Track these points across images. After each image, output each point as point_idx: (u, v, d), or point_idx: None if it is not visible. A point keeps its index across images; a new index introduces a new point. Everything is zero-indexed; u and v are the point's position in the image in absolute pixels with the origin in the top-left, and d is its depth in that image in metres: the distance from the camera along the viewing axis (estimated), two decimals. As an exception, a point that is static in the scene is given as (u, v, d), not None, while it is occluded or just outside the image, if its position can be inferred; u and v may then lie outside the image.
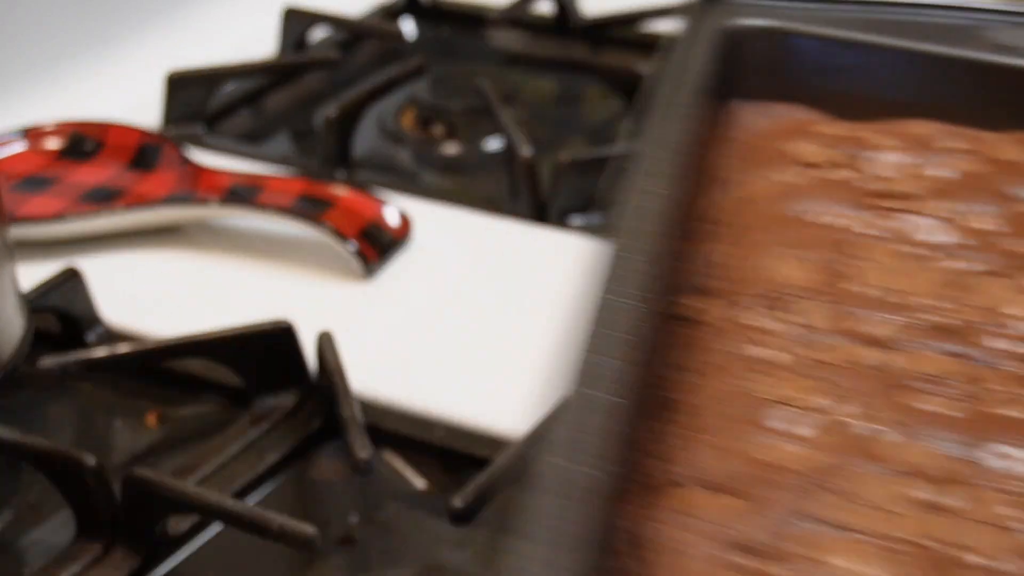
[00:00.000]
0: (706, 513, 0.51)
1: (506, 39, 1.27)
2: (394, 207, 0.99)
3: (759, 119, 0.71)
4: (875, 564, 0.49)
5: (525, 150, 1.00)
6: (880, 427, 0.54)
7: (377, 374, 0.86)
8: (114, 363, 0.83)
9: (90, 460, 0.75)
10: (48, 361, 0.81)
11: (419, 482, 0.82)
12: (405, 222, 0.98)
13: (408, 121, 1.15)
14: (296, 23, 1.21)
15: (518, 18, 1.23)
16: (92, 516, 0.76)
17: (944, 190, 0.65)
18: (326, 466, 0.83)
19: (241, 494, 0.80)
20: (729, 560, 0.50)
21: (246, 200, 0.98)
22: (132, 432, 0.86)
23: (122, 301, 0.93)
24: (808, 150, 0.68)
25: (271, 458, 0.82)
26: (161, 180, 1.02)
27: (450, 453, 0.82)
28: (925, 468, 0.53)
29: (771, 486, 0.52)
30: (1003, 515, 0.51)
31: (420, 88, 1.14)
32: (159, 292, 0.96)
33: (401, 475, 0.82)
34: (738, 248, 0.63)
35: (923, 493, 0.52)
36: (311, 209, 0.97)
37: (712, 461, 0.53)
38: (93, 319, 0.91)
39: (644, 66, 1.10)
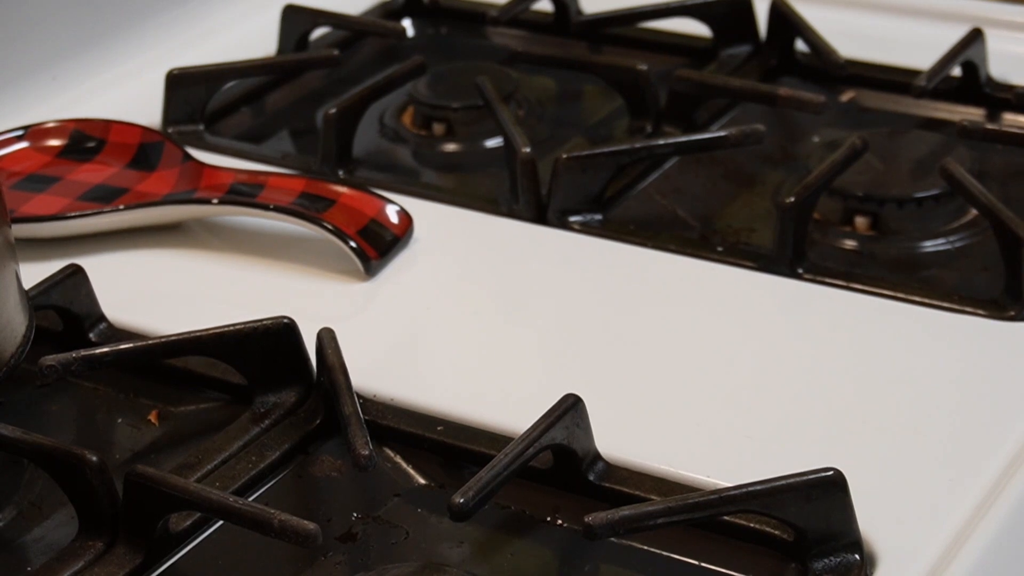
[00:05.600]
0: None
1: (505, 38, 1.27)
2: (394, 205, 0.99)
3: None
4: None
5: (525, 148, 1.01)
6: None
7: (378, 371, 0.87)
8: (116, 360, 0.83)
9: (92, 457, 0.75)
10: (50, 358, 0.81)
11: (419, 479, 0.82)
12: (405, 220, 0.99)
13: (408, 120, 1.15)
14: (296, 22, 1.21)
15: (517, 17, 1.23)
16: (94, 513, 0.76)
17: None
18: (327, 463, 0.83)
19: (242, 491, 0.80)
20: None
21: (247, 198, 0.98)
22: (134, 429, 0.86)
23: (124, 299, 0.93)
24: None
25: (272, 455, 0.82)
26: (162, 178, 1.02)
27: (450, 450, 0.82)
28: None
29: None
30: None
31: (420, 87, 1.14)
32: (160, 290, 0.96)
33: (402, 471, 0.83)
34: None
35: None
36: (312, 207, 0.97)
37: None
38: (95, 316, 0.91)
39: (643, 64, 1.10)
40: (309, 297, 0.94)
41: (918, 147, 1.05)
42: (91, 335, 0.90)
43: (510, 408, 0.83)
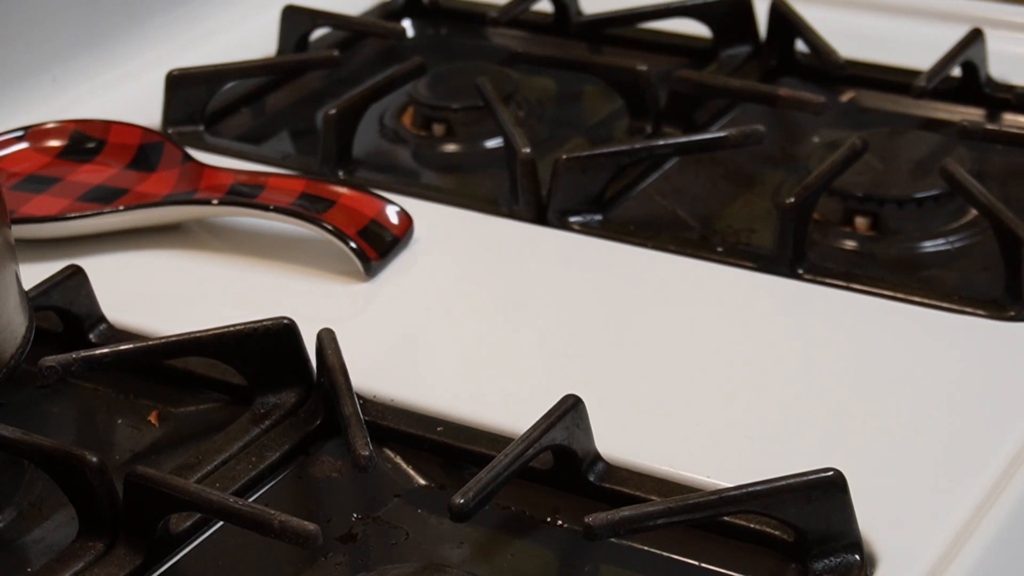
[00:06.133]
0: None
1: (505, 38, 1.27)
2: (394, 206, 0.99)
3: None
4: None
5: (525, 149, 1.01)
6: None
7: (378, 372, 0.87)
8: (116, 361, 0.83)
9: (92, 458, 0.75)
10: (50, 359, 0.81)
11: (420, 479, 0.82)
12: (405, 221, 0.99)
13: (408, 120, 1.15)
14: (296, 23, 1.21)
15: (517, 17, 1.23)
16: (94, 514, 0.76)
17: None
18: (327, 464, 0.83)
19: (242, 492, 0.80)
20: None
21: (247, 199, 0.98)
22: (134, 430, 0.86)
23: (124, 299, 0.93)
24: None
25: (272, 456, 0.82)
26: (162, 179, 1.02)
27: (450, 450, 0.82)
28: None
29: None
30: None
31: (420, 87, 1.14)
32: (160, 290, 0.96)
33: (402, 472, 0.83)
34: None
35: None
36: (312, 208, 0.97)
37: None
38: (95, 317, 0.91)
39: (643, 65, 1.10)
40: (309, 298, 0.94)
41: (918, 147, 1.05)
42: (91, 336, 0.90)
43: (510, 408, 0.83)
